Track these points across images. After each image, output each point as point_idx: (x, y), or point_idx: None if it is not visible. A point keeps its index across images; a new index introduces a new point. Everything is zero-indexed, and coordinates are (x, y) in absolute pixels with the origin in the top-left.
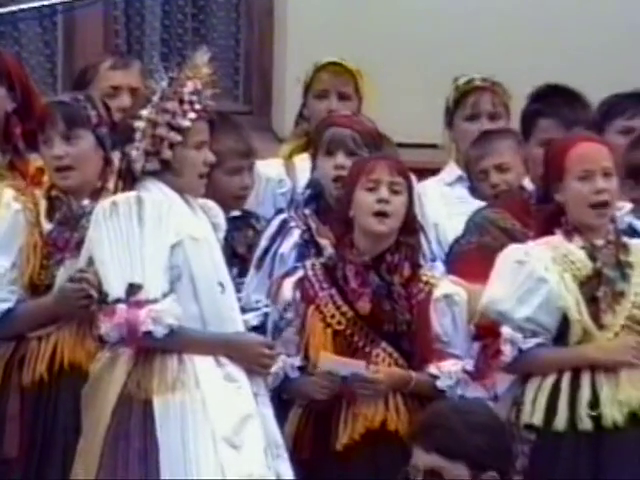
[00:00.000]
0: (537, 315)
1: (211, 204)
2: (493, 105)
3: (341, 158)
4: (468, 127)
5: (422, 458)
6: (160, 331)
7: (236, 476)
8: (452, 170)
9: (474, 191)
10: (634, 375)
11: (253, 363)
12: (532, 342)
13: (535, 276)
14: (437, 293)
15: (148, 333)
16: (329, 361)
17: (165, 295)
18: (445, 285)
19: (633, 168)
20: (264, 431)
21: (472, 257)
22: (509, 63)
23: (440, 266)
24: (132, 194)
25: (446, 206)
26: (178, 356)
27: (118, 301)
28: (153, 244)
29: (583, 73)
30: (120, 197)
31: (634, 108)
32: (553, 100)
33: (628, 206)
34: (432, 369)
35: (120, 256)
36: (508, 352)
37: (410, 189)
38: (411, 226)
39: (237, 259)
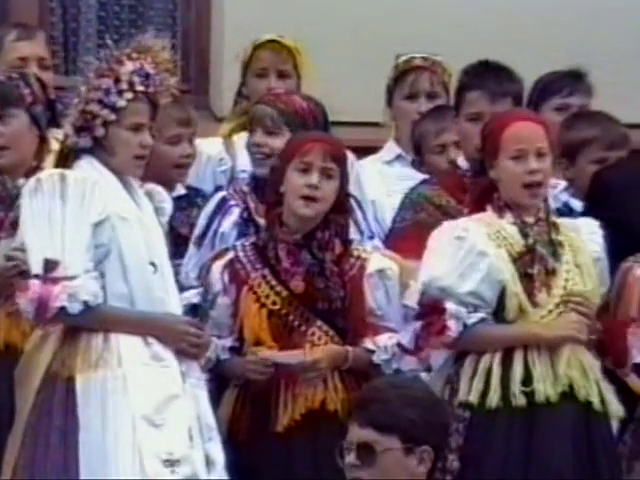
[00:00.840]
0: (480, 289)
1: (159, 189)
2: (431, 84)
3: (259, 136)
4: (407, 106)
5: (357, 433)
6: (75, 307)
7: (155, 455)
8: (391, 148)
9: (422, 164)
10: (569, 353)
11: (179, 343)
12: (476, 317)
13: (476, 250)
14: (370, 268)
15: (62, 309)
16: (270, 355)
17: (87, 272)
18: (377, 259)
19: (568, 147)
20: (196, 413)
21: (408, 234)
22: (450, 40)
23: (378, 243)
24: (56, 171)
25: (385, 184)
26: (104, 335)
27: (36, 277)
28: (74, 221)
29: (521, 49)
30: (44, 174)
31: (570, 86)
32: (481, 74)
33: (562, 184)
34: (368, 344)
35: (41, 232)
36: (454, 327)
37: (343, 174)
38: (341, 207)
39: (180, 239)
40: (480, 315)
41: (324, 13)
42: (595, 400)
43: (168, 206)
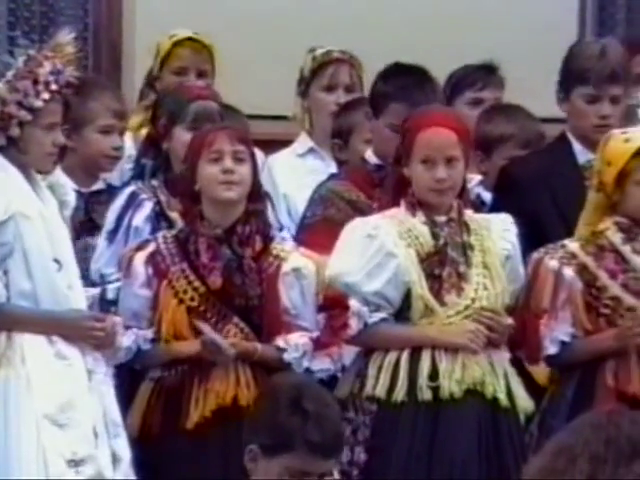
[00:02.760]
0: (385, 289)
1: (63, 181)
2: (350, 77)
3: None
4: (325, 97)
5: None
6: None
7: (59, 455)
8: (304, 141)
9: (341, 150)
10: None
11: (85, 339)
12: (377, 316)
13: (385, 250)
14: (286, 266)
15: None
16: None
17: None
18: (294, 258)
19: (485, 140)
20: (102, 409)
21: (318, 229)
22: (359, 36)
23: (287, 235)
24: None
25: (297, 177)
26: (7, 333)
27: None
28: None
29: (429, 45)
30: None
31: (483, 80)
32: (403, 82)
33: (477, 178)
34: (279, 342)
35: None
36: (354, 325)
37: (253, 156)
38: (257, 193)
39: (98, 230)
40: (381, 315)
41: (234, 7)
42: (502, 396)
43: (71, 199)
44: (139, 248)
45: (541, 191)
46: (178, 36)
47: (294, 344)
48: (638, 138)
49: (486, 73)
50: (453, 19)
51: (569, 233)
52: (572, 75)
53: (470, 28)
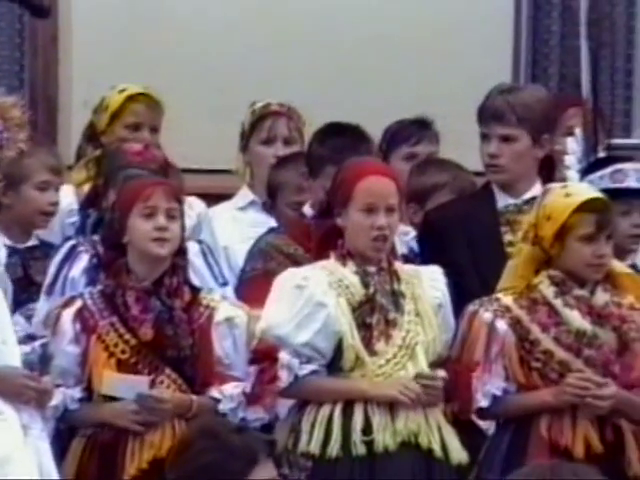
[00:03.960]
0: (315, 340)
1: None
2: (289, 130)
3: None
4: (263, 151)
5: None
6: None
7: None
8: (245, 194)
9: (272, 208)
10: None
11: (19, 396)
12: (308, 368)
13: (314, 301)
14: (218, 316)
15: None
16: (115, 380)
17: None
18: (226, 308)
19: (420, 191)
20: (37, 465)
21: (259, 283)
22: (301, 90)
23: (230, 291)
24: None
25: (238, 230)
26: None
27: None
28: None
29: (367, 100)
30: None
31: (417, 134)
32: (339, 144)
33: (412, 233)
34: (214, 392)
35: None
36: (284, 378)
37: (182, 213)
38: (182, 248)
39: (35, 287)
40: (312, 367)
41: (174, 59)
42: (436, 447)
43: (1, 254)
44: (66, 305)
45: (458, 236)
46: (130, 91)
47: (229, 394)
48: (578, 193)
49: (420, 127)
50: (390, 73)
51: (481, 278)
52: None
53: (405, 82)
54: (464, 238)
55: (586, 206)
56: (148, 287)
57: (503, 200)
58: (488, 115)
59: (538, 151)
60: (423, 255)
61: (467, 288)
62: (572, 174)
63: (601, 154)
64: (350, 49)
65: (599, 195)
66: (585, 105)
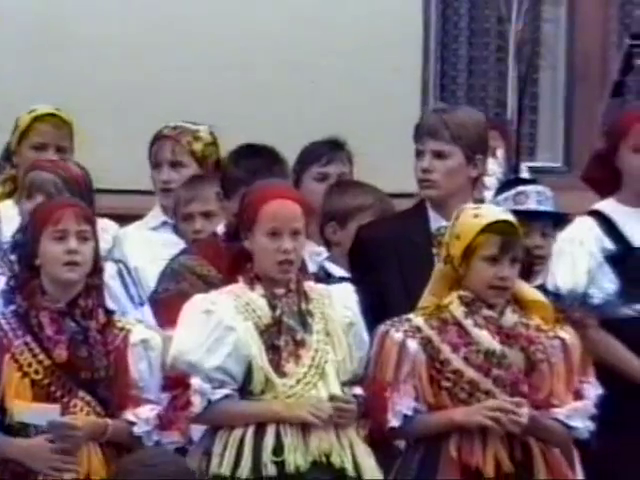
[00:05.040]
0: (226, 364)
1: None
2: (173, 153)
3: (39, 203)
4: (155, 175)
5: None
6: None
7: None
8: (157, 215)
9: (178, 231)
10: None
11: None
12: (221, 393)
13: (223, 325)
14: (133, 338)
15: None
16: (26, 408)
17: None
18: (140, 330)
19: (340, 211)
20: None
21: (171, 304)
22: (214, 112)
23: (147, 310)
24: None
25: (149, 250)
26: None
27: None
28: None
29: (278, 123)
30: None
31: (328, 155)
32: (253, 165)
33: (325, 253)
34: (129, 415)
35: None
36: (197, 403)
37: (94, 234)
38: (97, 267)
39: None
40: (225, 391)
41: (85, 81)
42: (349, 466)
43: None
44: None
45: (389, 255)
46: (38, 111)
47: (144, 418)
48: (486, 215)
49: (331, 148)
50: (303, 96)
51: (411, 299)
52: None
53: (317, 105)
54: (395, 258)
55: (492, 228)
56: (62, 308)
57: (436, 221)
58: (423, 132)
59: (472, 170)
60: (352, 272)
61: (395, 308)
62: (489, 195)
63: (525, 175)
64: (263, 73)
65: (507, 217)
66: (508, 127)
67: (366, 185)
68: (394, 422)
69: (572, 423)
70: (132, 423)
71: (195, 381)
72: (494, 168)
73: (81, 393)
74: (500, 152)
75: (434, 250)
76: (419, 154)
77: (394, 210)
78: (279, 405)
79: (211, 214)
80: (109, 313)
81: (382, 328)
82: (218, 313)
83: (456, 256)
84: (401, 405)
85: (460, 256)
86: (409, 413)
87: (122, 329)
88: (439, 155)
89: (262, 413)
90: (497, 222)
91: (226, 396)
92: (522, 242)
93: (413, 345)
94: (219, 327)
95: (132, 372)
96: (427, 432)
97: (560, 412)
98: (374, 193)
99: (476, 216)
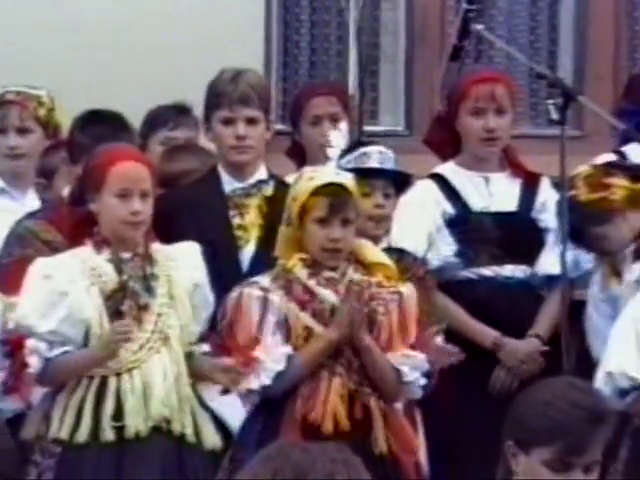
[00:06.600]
0: (61, 328)
1: None
2: (21, 119)
3: None
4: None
5: None
6: None
7: None
8: None
9: (45, 189)
10: (165, 386)
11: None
12: (58, 350)
13: (58, 290)
14: None
15: None
16: None
17: None
18: None
19: (167, 177)
20: None
21: (14, 270)
22: (59, 75)
23: None
24: None
25: None
26: None
27: None
28: None
29: (122, 89)
30: None
31: (175, 119)
32: (99, 131)
33: None
34: None
35: None
36: (35, 363)
37: None
38: None
39: None
40: (63, 348)
41: None
42: (189, 432)
43: None
44: None
45: (187, 221)
46: None
47: None
48: (320, 177)
49: (178, 113)
50: (146, 63)
51: (213, 261)
52: (210, 102)
53: (161, 72)
54: (193, 223)
55: (323, 190)
56: None
57: (230, 184)
58: (234, 98)
59: (267, 133)
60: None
61: None
62: (332, 165)
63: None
64: (109, 37)
65: (338, 180)
66: (350, 98)
67: (194, 149)
68: (255, 384)
69: (401, 367)
70: None
71: (30, 341)
72: (338, 139)
73: None
74: (343, 124)
75: (230, 212)
76: (230, 121)
77: None
78: (97, 346)
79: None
80: None
81: (234, 294)
82: (56, 278)
83: (293, 218)
84: (273, 360)
85: (296, 218)
86: (280, 368)
87: None
88: (250, 121)
89: (88, 359)
90: (328, 184)
91: (65, 352)
92: (355, 203)
93: (274, 297)
94: (54, 292)
95: None
96: (306, 371)
97: (392, 355)
98: (199, 157)
99: (311, 179)
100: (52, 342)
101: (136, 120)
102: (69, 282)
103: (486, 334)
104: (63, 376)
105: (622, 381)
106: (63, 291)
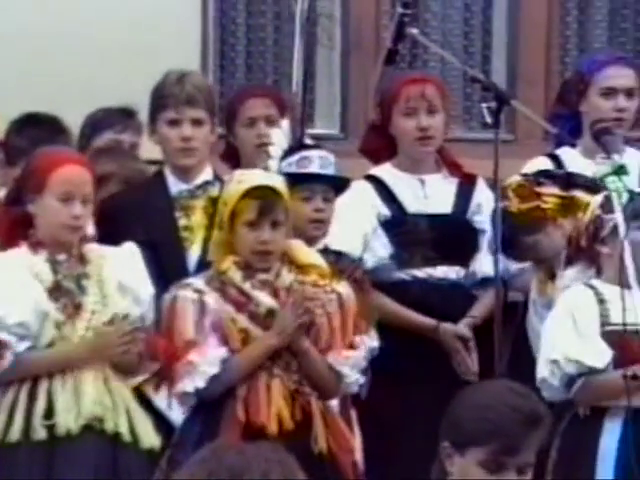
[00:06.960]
0: (28, 321)
1: None
2: None
3: None
4: None
5: None
6: None
7: None
8: None
9: None
10: (97, 384)
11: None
12: (24, 345)
13: (18, 281)
14: None
15: None
16: None
17: None
18: None
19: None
20: None
21: None
22: None
23: None
24: None
25: None
26: None
27: None
28: None
29: (75, 94)
30: None
31: (123, 122)
32: (36, 135)
33: None
34: None
35: None
36: (8, 356)
37: None
38: None
39: None
40: (28, 343)
41: None
42: (123, 431)
43: None
44: None
45: (133, 224)
46: None
47: None
48: (249, 180)
49: (126, 116)
50: (86, 67)
51: (159, 263)
52: (156, 103)
53: (101, 77)
54: (140, 224)
55: (252, 193)
56: None
57: (176, 186)
58: (181, 99)
59: (212, 135)
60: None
61: None
62: (273, 164)
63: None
64: (48, 45)
65: (267, 182)
66: (285, 97)
67: (116, 152)
68: (212, 370)
69: (342, 369)
70: None
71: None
72: (280, 138)
73: None
74: (285, 122)
75: (176, 214)
76: (176, 122)
77: (141, 175)
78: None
79: None
80: None
81: (168, 296)
82: (9, 271)
83: (224, 222)
84: (208, 362)
85: (227, 222)
86: (215, 371)
87: None
88: (197, 122)
89: (60, 358)
90: (257, 187)
91: (31, 347)
92: (286, 205)
93: (210, 299)
94: (14, 283)
95: None
96: (243, 373)
97: (332, 357)
98: (117, 160)
99: (240, 182)
100: (21, 336)
101: (74, 124)
102: (22, 276)
103: (427, 321)
104: (28, 373)
105: (568, 367)
106: (23, 282)
